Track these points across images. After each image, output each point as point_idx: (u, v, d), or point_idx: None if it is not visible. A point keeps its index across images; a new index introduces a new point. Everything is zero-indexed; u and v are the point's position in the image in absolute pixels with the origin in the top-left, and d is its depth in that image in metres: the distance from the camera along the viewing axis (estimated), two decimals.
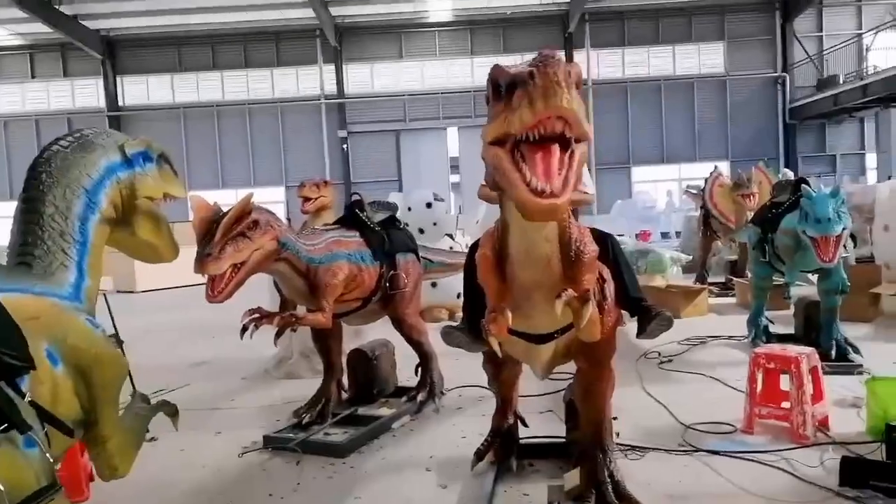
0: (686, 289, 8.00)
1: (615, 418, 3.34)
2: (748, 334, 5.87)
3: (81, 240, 1.98)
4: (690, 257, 10.41)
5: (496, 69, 1.88)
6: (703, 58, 24.86)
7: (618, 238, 3.19)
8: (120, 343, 4.19)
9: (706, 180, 9.76)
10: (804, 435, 3.50)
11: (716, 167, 10.22)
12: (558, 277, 2.20)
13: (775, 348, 3.94)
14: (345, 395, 4.48)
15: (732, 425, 3.79)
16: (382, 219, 4.43)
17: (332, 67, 24.76)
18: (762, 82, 24.86)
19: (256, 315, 3.61)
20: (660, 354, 5.49)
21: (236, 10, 22.77)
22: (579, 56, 24.40)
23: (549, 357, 2.74)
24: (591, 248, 2.23)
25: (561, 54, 1.77)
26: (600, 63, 24.81)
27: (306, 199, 5.90)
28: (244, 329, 3.57)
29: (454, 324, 3.04)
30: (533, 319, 2.42)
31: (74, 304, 1.86)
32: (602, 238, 2.83)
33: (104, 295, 4.60)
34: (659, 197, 23.19)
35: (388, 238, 4.31)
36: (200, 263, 3.17)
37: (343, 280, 3.86)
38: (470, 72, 24.78)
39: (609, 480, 2.74)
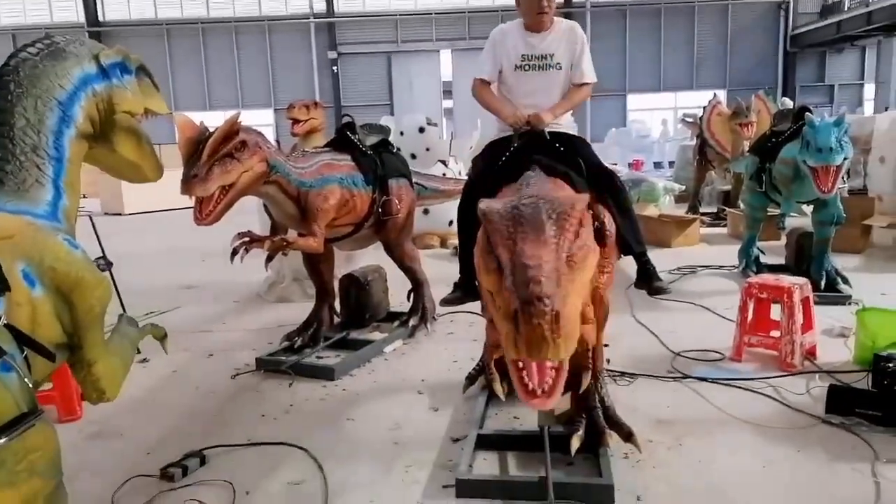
0: (678, 218, 7.96)
1: (606, 345, 3.35)
2: (739, 264, 5.89)
3: (57, 156, 1.87)
4: (683, 187, 10.34)
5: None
6: None
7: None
8: (109, 265, 4.16)
9: (704, 108, 9.57)
10: (792, 363, 3.54)
11: (715, 95, 10.01)
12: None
13: (769, 278, 3.93)
14: (337, 320, 4.48)
15: (721, 353, 3.83)
16: (375, 142, 4.30)
17: None
18: (765, 8, 24.16)
19: (247, 238, 3.53)
20: None
21: None
22: None
23: None
24: (589, 265, 2.00)
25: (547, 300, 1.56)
26: None
27: (296, 121, 5.70)
28: (234, 253, 3.50)
29: (448, 296, 3.00)
30: None
31: (52, 224, 1.77)
32: (608, 179, 2.74)
33: (90, 217, 4.52)
34: (653, 126, 22.83)
35: (380, 162, 4.20)
36: (187, 185, 3.07)
37: (335, 205, 3.78)
38: None
39: (599, 406, 2.76)
